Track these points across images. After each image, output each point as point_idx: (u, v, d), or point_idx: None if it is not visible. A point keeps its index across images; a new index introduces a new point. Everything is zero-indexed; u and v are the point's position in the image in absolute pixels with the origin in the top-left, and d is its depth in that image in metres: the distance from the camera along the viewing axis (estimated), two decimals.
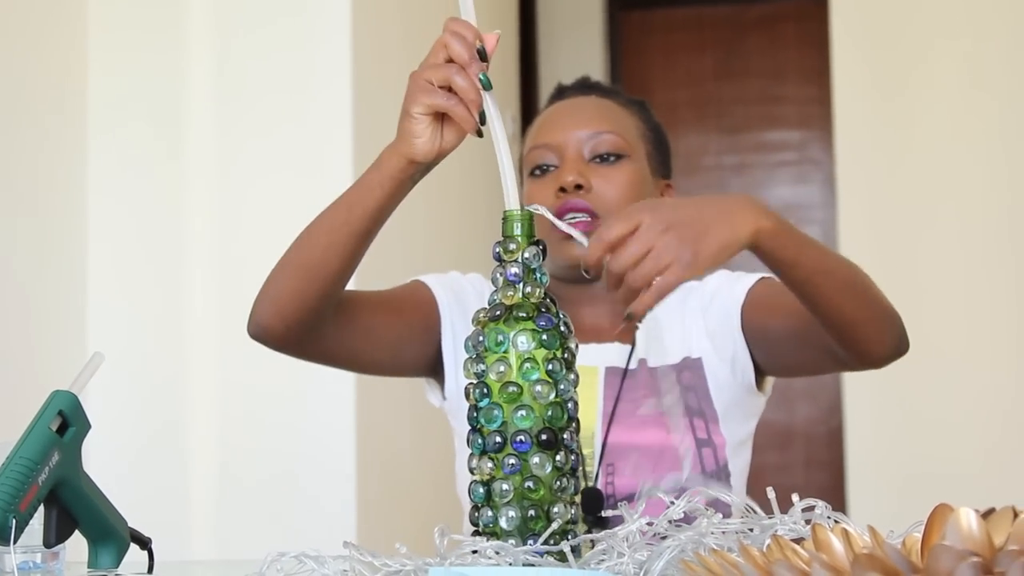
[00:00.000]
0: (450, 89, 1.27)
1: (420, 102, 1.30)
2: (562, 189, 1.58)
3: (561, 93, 1.73)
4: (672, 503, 1.08)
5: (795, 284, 1.35)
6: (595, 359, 1.61)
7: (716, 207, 1.27)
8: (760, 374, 1.63)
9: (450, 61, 1.26)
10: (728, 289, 1.63)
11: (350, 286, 1.50)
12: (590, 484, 1.54)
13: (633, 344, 1.63)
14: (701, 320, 1.63)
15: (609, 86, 1.76)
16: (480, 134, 1.28)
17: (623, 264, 1.21)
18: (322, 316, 1.48)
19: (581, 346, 1.61)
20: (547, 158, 1.63)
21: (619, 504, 1.12)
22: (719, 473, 1.58)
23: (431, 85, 1.28)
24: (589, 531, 1.44)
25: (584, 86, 1.73)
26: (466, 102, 1.26)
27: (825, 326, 1.40)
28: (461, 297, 1.65)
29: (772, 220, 1.28)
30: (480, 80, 1.25)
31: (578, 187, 1.58)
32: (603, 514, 1.45)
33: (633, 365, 1.62)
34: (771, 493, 1.09)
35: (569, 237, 1.52)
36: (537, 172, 1.64)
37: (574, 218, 1.57)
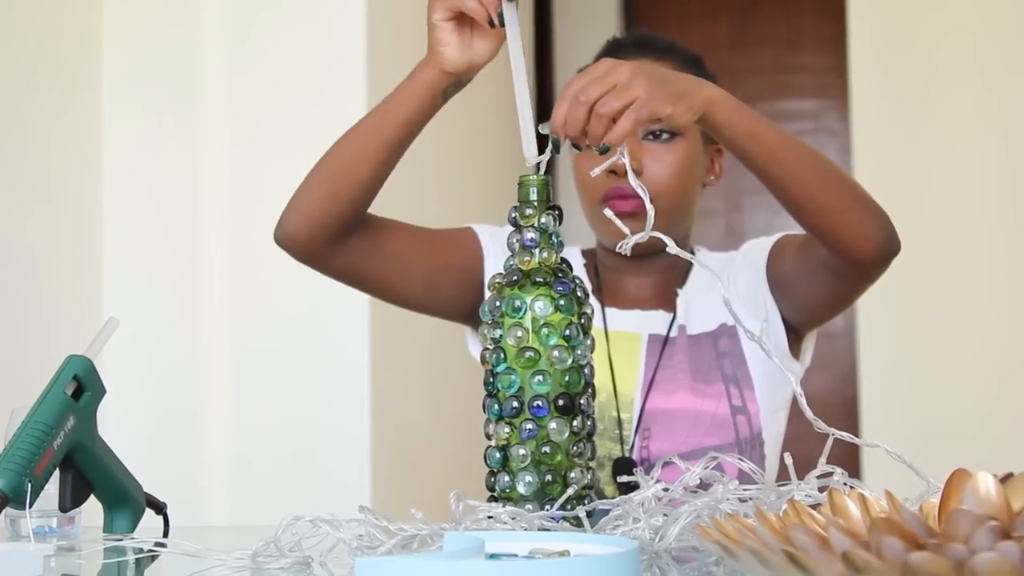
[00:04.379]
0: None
1: (438, 8, 1.34)
2: (613, 171, 1.57)
3: (614, 50, 1.68)
4: (688, 469, 1.08)
5: (757, 159, 1.35)
6: (638, 326, 1.63)
7: (682, 74, 1.34)
8: (794, 340, 1.64)
9: None
10: (755, 249, 1.65)
11: None
12: (626, 448, 1.55)
13: (675, 312, 1.64)
14: (734, 289, 1.63)
15: (664, 43, 1.71)
16: (493, 25, 1.30)
17: (591, 96, 1.22)
18: (349, 226, 1.49)
19: (624, 312, 1.65)
20: None
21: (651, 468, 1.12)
22: (753, 440, 1.58)
23: None
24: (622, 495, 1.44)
25: (640, 44, 1.68)
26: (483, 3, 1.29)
27: (798, 215, 1.40)
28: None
29: (728, 95, 1.33)
30: None
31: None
32: (623, 480, 1.45)
33: (674, 332, 1.63)
34: (788, 459, 1.09)
35: (618, 216, 1.54)
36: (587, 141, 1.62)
37: (625, 200, 1.57)
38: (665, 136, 1.61)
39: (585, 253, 1.73)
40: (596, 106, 1.23)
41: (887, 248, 1.41)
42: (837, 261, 1.43)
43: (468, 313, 1.65)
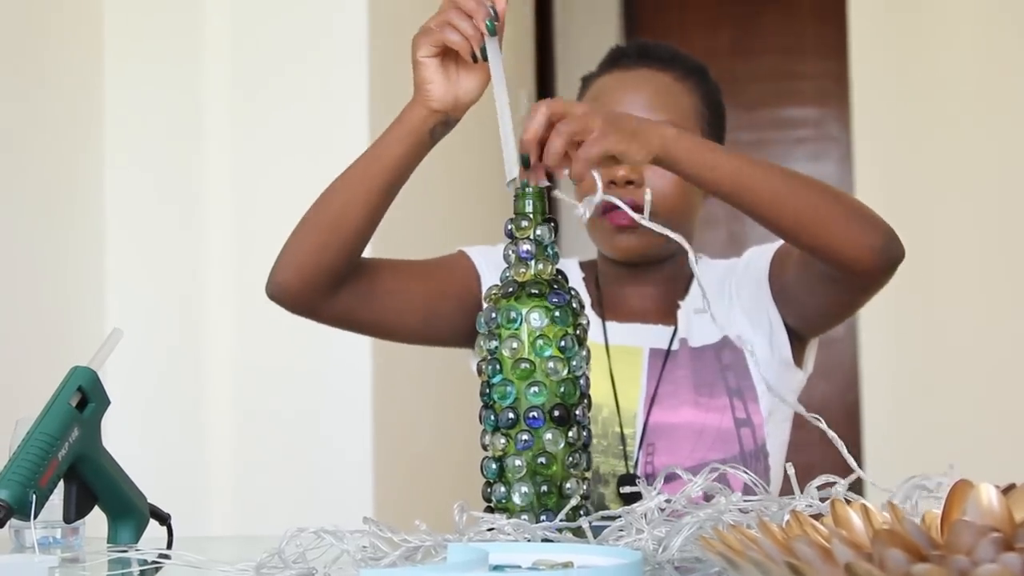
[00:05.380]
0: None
1: (422, 44, 1.33)
2: (612, 182, 1.57)
3: (616, 61, 1.68)
4: (691, 480, 1.08)
5: (723, 189, 1.33)
6: (639, 340, 1.63)
7: (638, 116, 1.33)
8: (797, 347, 1.63)
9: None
10: (757, 257, 1.64)
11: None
12: (630, 464, 1.55)
13: (676, 325, 1.63)
14: (737, 298, 1.62)
15: (667, 52, 1.70)
16: (475, 59, 1.30)
17: (544, 117, 1.23)
18: (341, 275, 1.48)
19: (624, 326, 1.64)
20: None
21: (652, 483, 1.12)
22: (757, 452, 1.57)
23: (431, 28, 1.32)
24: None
25: (641, 54, 1.68)
26: (464, 35, 1.29)
27: (784, 236, 1.38)
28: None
29: (684, 133, 1.33)
30: (485, 24, 1.27)
31: (628, 182, 1.57)
32: (626, 491, 1.44)
33: (675, 346, 1.62)
34: (791, 469, 1.09)
35: (617, 229, 1.54)
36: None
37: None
38: None
39: (584, 266, 1.72)
40: (556, 126, 1.23)
41: (887, 256, 1.38)
42: (838, 273, 1.41)
43: (470, 338, 1.64)
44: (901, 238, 1.40)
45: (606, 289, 1.68)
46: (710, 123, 1.67)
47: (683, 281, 1.68)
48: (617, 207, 1.54)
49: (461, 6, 1.29)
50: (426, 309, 1.59)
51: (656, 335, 1.63)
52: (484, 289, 1.61)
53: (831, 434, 1.10)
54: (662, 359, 1.61)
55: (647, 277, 1.66)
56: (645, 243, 1.59)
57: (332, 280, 1.47)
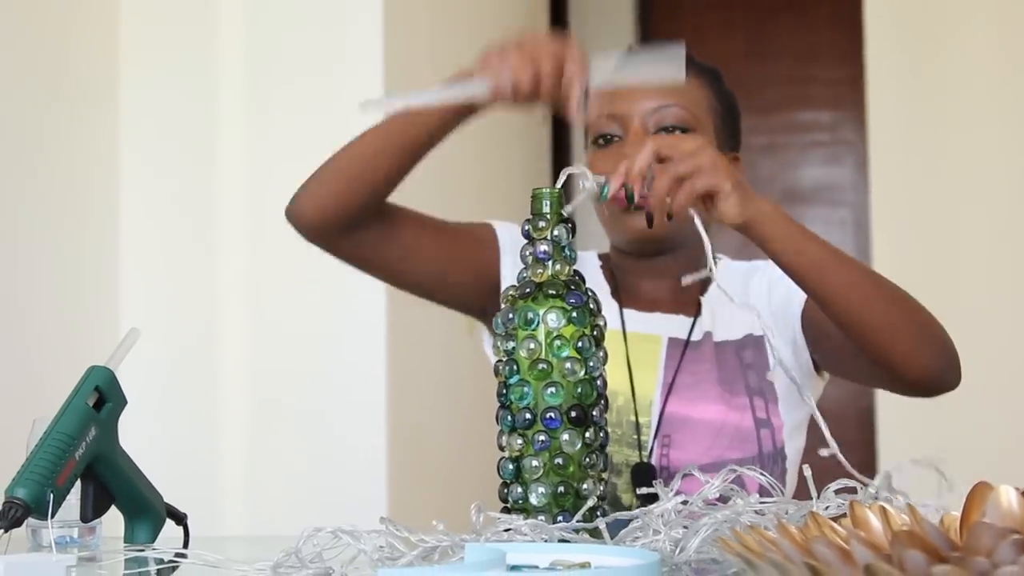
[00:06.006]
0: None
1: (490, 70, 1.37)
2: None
3: None
4: (708, 482, 1.08)
5: (803, 275, 1.34)
6: (658, 329, 1.61)
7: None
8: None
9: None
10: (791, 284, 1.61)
11: None
12: (644, 454, 1.53)
13: (697, 315, 1.61)
14: (765, 301, 1.60)
15: None
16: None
17: (650, 153, 1.28)
18: (362, 220, 1.50)
19: (644, 315, 1.62)
20: (611, 128, 1.59)
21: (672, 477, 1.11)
22: (775, 455, 1.55)
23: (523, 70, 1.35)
24: (640, 504, 1.43)
25: None
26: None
27: (847, 333, 1.37)
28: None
29: (780, 209, 1.34)
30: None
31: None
32: (643, 492, 1.43)
33: (698, 337, 1.60)
34: (807, 471, 1.09)
35: (627, 210, 1.52)
36: (601, 141, 1.60)
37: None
38: (677, 132, 1.57)
39: (602, 257, 1.71)
40: (666, 164, 1.28)
41: (942, 380, 1.38)
42: (886, 375, 1.40)
43: (478, 308, 1.63)
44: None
45: (623, 280, 1.66)
46: (723, 119, 1.65)
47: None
48: (624, 193, 1.55)
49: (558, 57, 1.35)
50: (441, 272, 1.60)
51: (675, 324, 1.61)
52: (503, 267, 1.62)
53: (829, 437, 1.10)
54: (681, 348, 1.59)
55: (662, 268, 1.63)
56: (656, 224, 1.55)
57: (352, 221, 1.50)
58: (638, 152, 1.28)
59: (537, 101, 1.37)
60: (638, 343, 1.59)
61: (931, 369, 1.37)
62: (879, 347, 1.36)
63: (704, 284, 1.64)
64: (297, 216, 1.52)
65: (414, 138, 1.45)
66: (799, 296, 1.56)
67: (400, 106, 1.30)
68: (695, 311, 1.62)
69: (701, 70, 1.66)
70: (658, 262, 1.63)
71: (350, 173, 1.48)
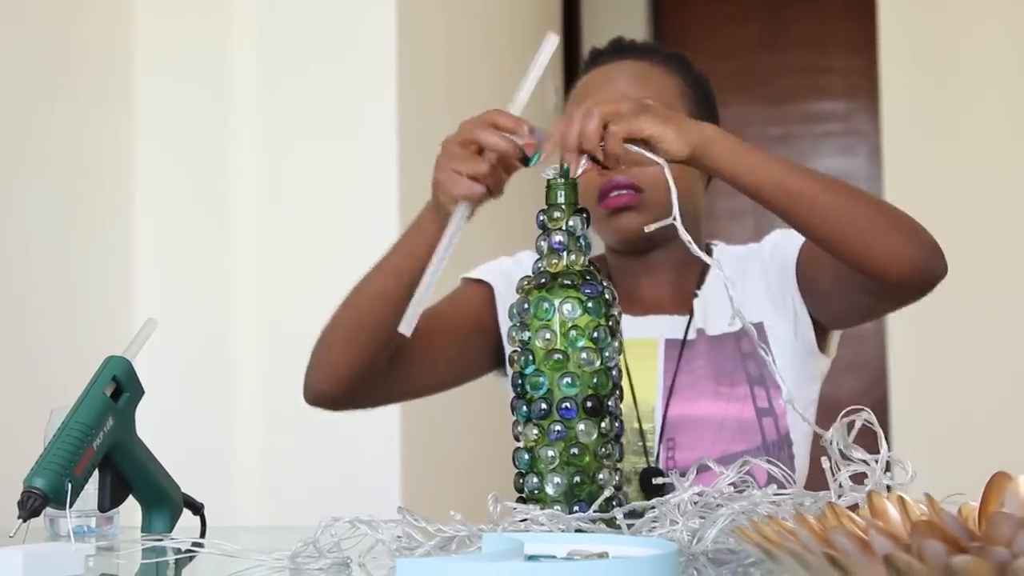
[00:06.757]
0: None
1: (448, 193, 1.32)
2: (604, 167, 1.55)
3: (595, 59, 1.68)
4: (723, 473, 1.08)
5: (764, 193, 1.31)
6: (654, 331, 1.59)
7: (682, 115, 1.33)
8: (820, 333, 1.60)
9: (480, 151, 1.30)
10: (783, 246, 1.59)
11: None
12: (651, 460, 1.52)
13: (691, 314, 1.60)
14: (762, 283, 1.59)
15: (644, 44, 1.70)
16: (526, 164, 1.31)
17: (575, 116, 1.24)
18: (378, 371, 1.48)
19: (639, 319, 1.61)
20: None
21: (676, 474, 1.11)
22: (780, 442, 1.54)
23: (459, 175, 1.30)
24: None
25: (618, 49, 1.68)
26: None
27: (822, 244, 1.35)
28: (512, 279, 1.62)
29: (727, 133, 1.31)
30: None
31: (628, 186, 1.55)
32: (657, 482, 1.42)
33: (692, 335, 1.58)
34: (825, 463, 1.09)
35: (614, 212, 1.52)
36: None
37: (619, 194, 1.55)
38: None
39: (596, 260, 1.70)
40: (578, 115, 1.25)
41: (928, 272, 1.35)
42: (875, 284, 1.37)
43: (497, 361, 1.64)
44: (932, 230, 1.37)
45: (618, 283, 1.65)
46: (697, 103, 1.63)
47: (697, 267, 1.63)
48: (610, 194, 1.54)
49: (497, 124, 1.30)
50: (453, 360, 1.60)
51: (671, 325, 1.60)
52: (499, 300, 1.61)
53: (825, 436, 1.10)
54: (678, 349, 1.57)
55: (657, 264, 1.62)
56: (645, 220, 1.52)
57: (370, 378, 1.49)
58: (569, 126, 1.25)
59: (507, 174, 1.33)
60: (635, 349, 1.57)
61: (915, 260, 1.33)
62: (859, 251, 1.33)
63: (699, 280, 1.62)
64: (316, 394, 1.51)
65: (407, 292, 1.32)
66: (791, 261, 1.56)
67: (424, 294, 1.24)
68: (689, 311, 1.61)
69: (667, 57, 1.66)
70: (652, 257, 1.62)
71: (355, 337, 1.46)
